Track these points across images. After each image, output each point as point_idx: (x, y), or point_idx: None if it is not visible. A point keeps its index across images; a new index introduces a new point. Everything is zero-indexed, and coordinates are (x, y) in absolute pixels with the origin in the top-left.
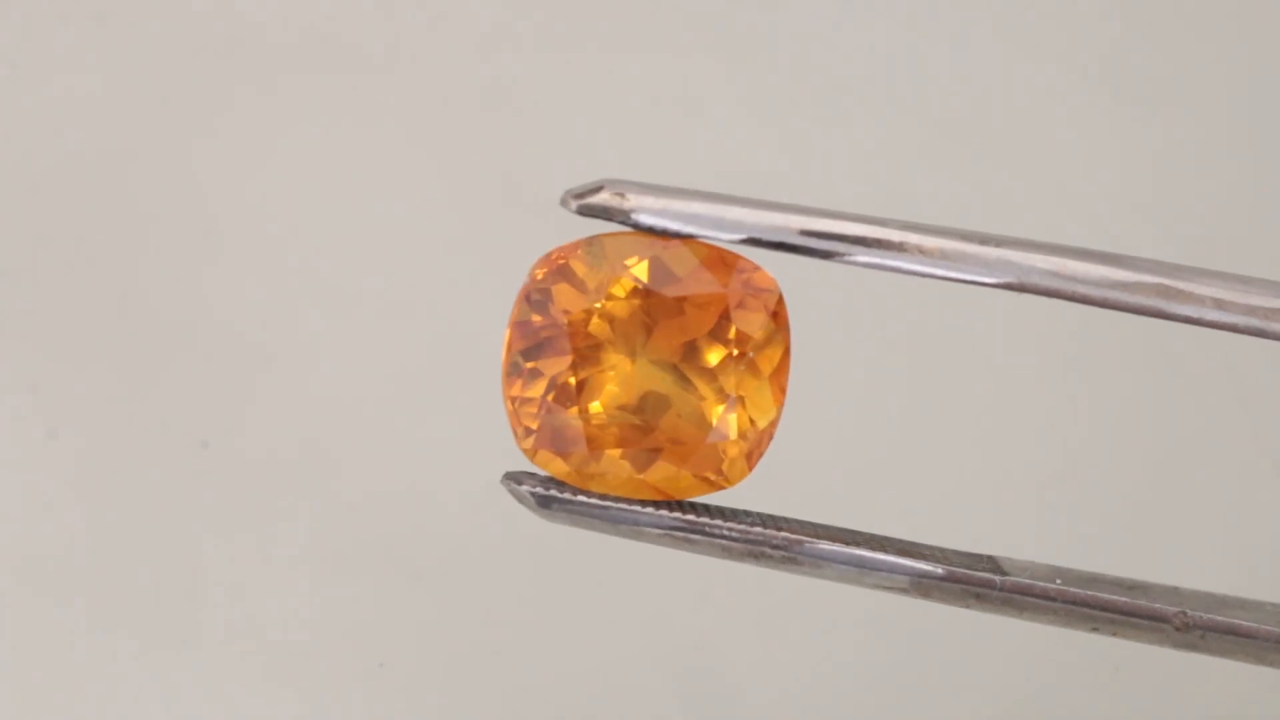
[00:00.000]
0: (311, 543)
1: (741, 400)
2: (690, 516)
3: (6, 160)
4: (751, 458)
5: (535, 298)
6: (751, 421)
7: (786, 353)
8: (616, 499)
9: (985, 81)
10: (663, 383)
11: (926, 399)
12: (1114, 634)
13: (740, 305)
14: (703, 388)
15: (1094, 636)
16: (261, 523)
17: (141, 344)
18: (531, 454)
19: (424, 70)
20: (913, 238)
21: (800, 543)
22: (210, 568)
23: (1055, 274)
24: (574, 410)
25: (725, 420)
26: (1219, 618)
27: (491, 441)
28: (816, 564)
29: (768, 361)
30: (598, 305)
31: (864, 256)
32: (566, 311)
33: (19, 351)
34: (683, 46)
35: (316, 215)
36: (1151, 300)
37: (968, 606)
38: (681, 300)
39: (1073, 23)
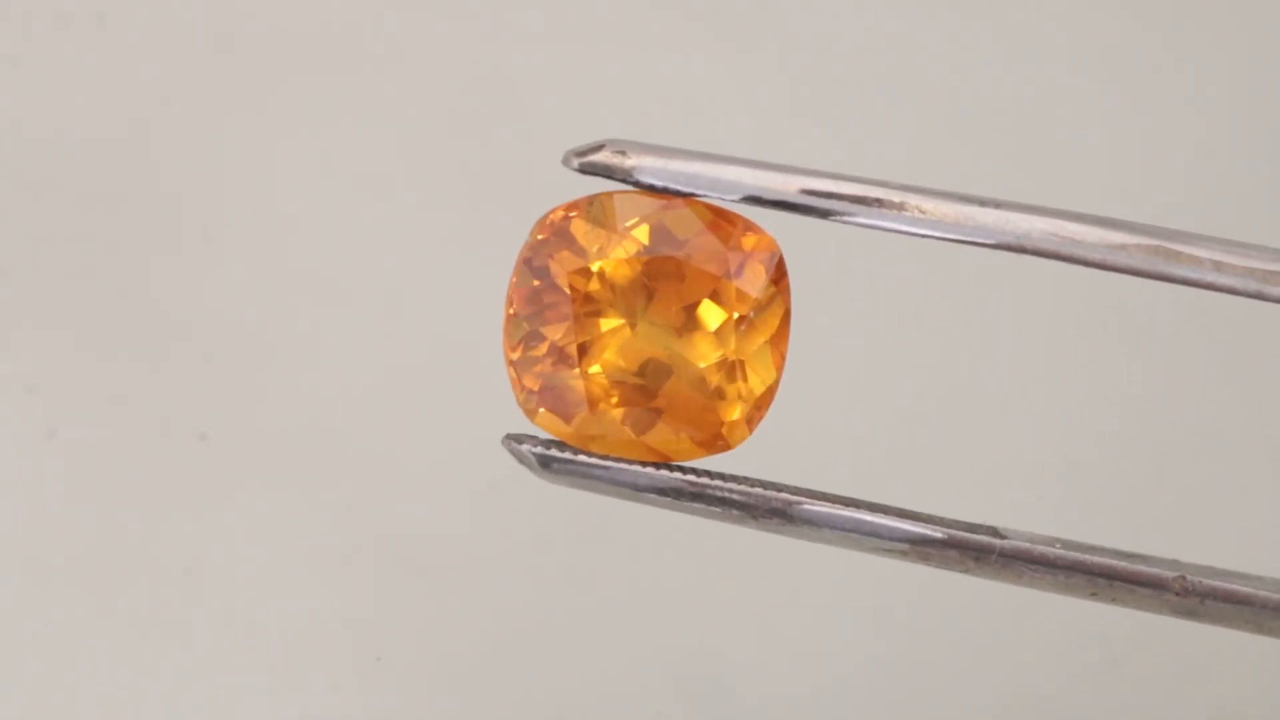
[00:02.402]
0: (309, 536)
1: (741, 363)
2: (690, 477)
3: (6, 160)
4: (751, 421)
5: (535, 261)
6: (751, 385)
7: (787, 315)
8: (616, 459)
9: (987, 78)
10: (663, 345)
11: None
12: (1113, 600)
13: (741, 268)
14: (703, 350)
15: (1094, 634)
16: (259, 516)
17: (141, 341)
18: (532, 414)
19: (424, 68)
20: (913, 198)
21: (799, 503)
22: (208, 562)
23: (1054, 235)
24: (574, 372)
25: (725, 383)
26: (1218, 583)
27: (491, 438)
28: (815, 527)
29: (768, 324)
30: (597, 268)
31: (863, 217)
32: (566, 274)
33: (19, 351)
34: (684, 43)
35: (317, 212)
36: (1150, 261)
37: (966, 571)
38: (682, 263)
39: (1076, 15)
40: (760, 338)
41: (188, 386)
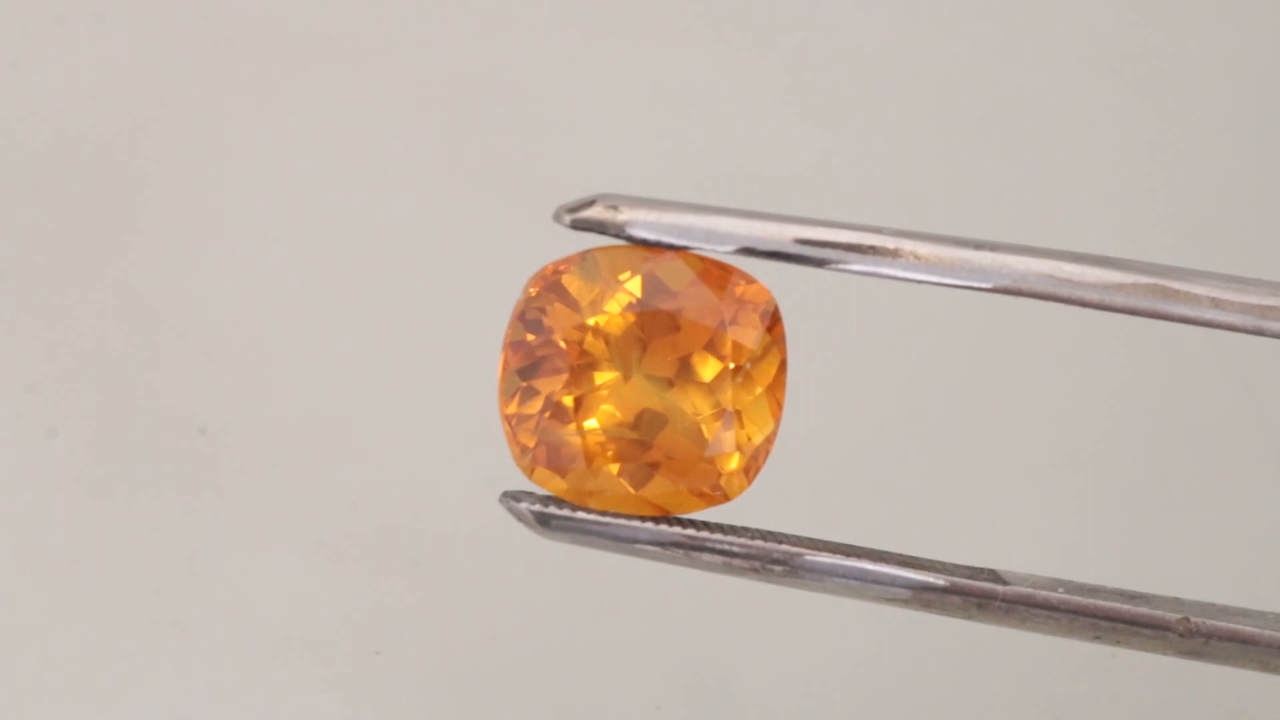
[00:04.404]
0: (308, 530)
1: (738, 414)
2: (690, 531)
3: (6, 160)
4: (749, 472)
5: (529, 316)
6: (749, 435)
7: (783, 365)
8: (615, 515)
9: (989, 74)
10: (659, 398)
11: (925, 408)
12: (1117, 642)
13: (735, 319)
14: (699, 402)
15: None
16: (258, 510)
17: (141, 340)
18: (529, 472)
19: (422, 64)
20: (907, 244)
21: (801, 556)
22: (207, 556)
23: (1050, 277)
24: (570, 427)
25: (722, 435)
26: (1222, 624)
27: (490, 434)
28: (818, 577)
29: (764, 375)
30: (592, 322)
31: (858, 264)
32: (561, 329)
33: (19, 351)
34: (685, 40)
35: (316, 209)
36: (1148, 301)
37: (970, 618)
38: (676, 315)
39: (1080, 12)
40: (757, 388)
41: (188, 384)
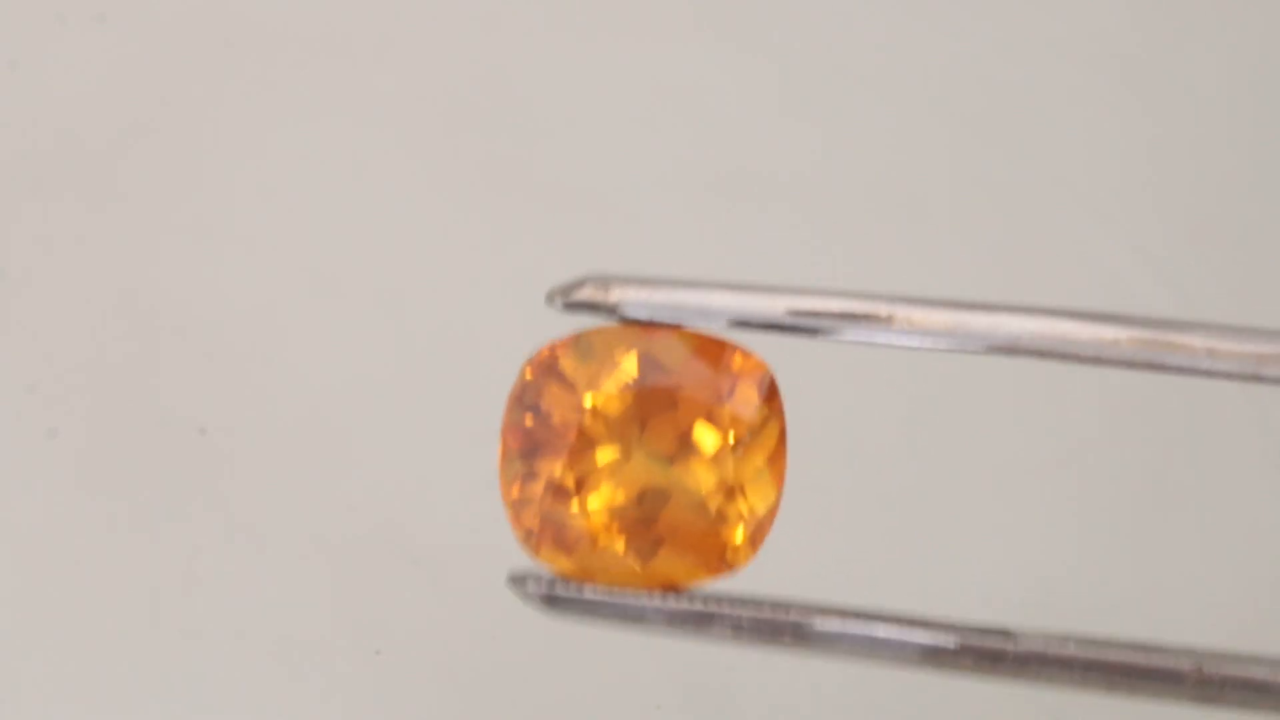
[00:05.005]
0: (308, 530)
1: (741, 487)
2: (698, 606)
3: (6, 160)
4: (755, 542)
5: (527, 399)
6: (752, 507)
7: (782, 434)
8: (623, 592)
9: (987, 73)
10: (660, 475)
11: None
12: (1130, 692)
13: (732, 391)
14: (701, 477)
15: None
16: (258, 510)
17: (141, 340)
18: (534, 552)
19: (421, 64)
20: (901, 310)
21: (810, 624)
22: (206, 556)
23: (1046, 336)
24: (573, 507)
25: (726, 508)
26: (1236, 672)
27: (489, 431)
28: (829, 643)
29: (764, 445)
30: (589, 403)
31: (852, 333)
32: (559, 410)
33: (19, 351)
34: (685, 38)
35: (316, 209)
36: (1144, 354)
37: (983, 675)
38: (673, 391)
39: (1079, 11)
40: (758, 459)
41: (188, 384)
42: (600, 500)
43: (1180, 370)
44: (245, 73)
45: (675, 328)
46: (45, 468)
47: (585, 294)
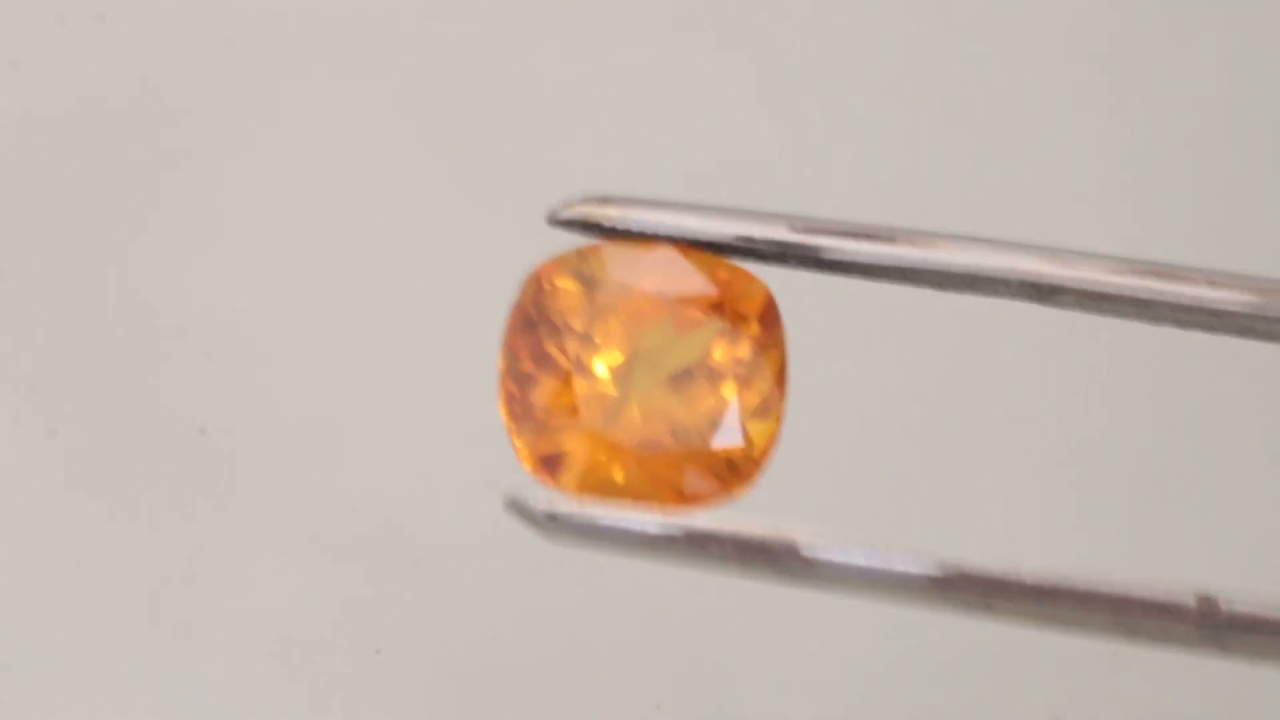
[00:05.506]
0: (308, 530)
1: (741, 409)
2: (699, 524)
3: (6, 160)
4: (754, 468)
5: (524, 317)
6: (751, 431)
7: (783, 360)
8: (624, 512)
9: (986, 69)
10: (661, 393)
11: (925, 405)
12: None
13: (735, 315)
14: (701, 398)
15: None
16: (258, 510)
17: (141, 340)
18: (533, 473)
19: (420, 63)
20: (902, 234)
21: (814, 545)
22: (206, 556)
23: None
24: (572, 426)
25: (725, 429)
26: (1247, 610)
27: (490, 434)
28: (833, 573)
29: (764, 370)
30: (586, 321)
31: (850, 244)
32: (557, 329)
33: (19, 351)
34: (684, 36)
35: (316, 208)
36: (1140, 281)
37: (989, 610)
38: (674, 312)
39: (1075, 8)
40: (759, 383)
41: (188, 384)
42: (599, 419)
43: (1179, 303)
44: (245, 73)
45: (678, 244)
46: (45, 468)
47: (584, 210)
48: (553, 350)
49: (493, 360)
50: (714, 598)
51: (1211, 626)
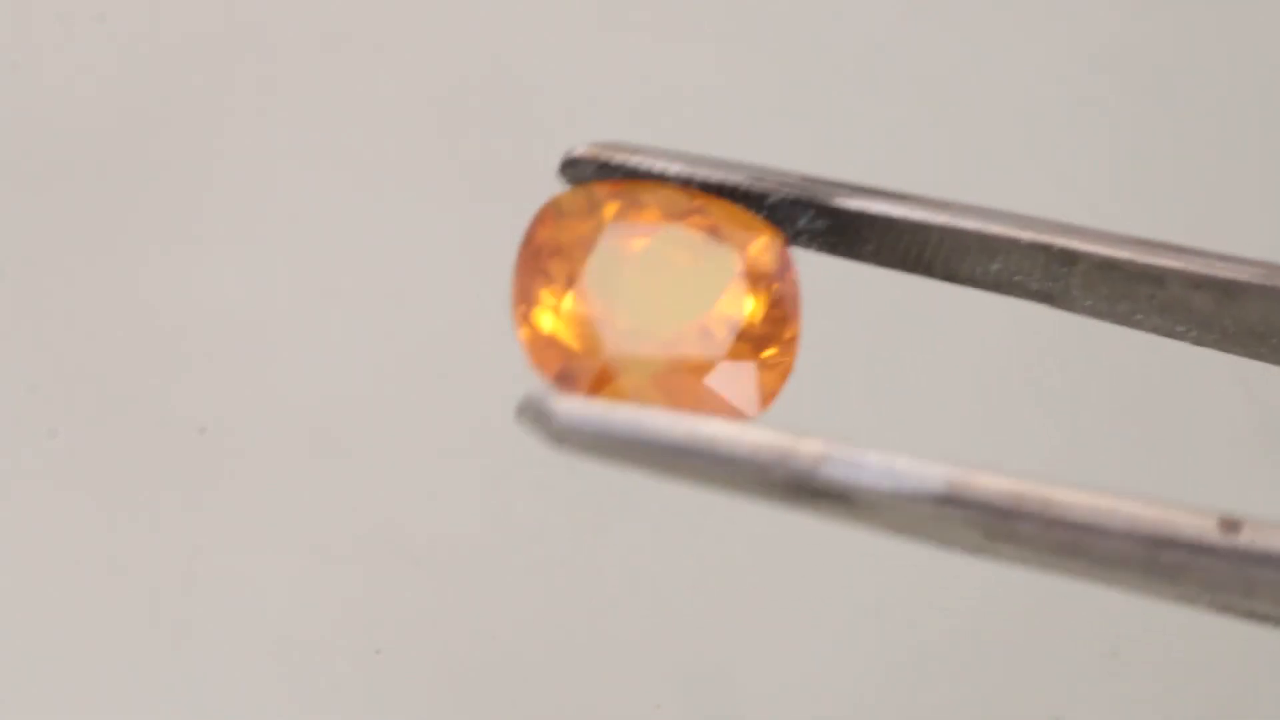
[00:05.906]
0: (308, 530)
1: (757, 336)
2: (716, 427)
3: (6, 160)
4: (769, 390)
5: (537, 242)
6: (766, 354)
7: (796, 300)
8: (639, 416)
9: (986, 69)
10: (674, 312)
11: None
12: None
13: (751, 240)
14: (714, 315)
15: (1095, 625)
16: (258, 510)
17: (141, 339)
18: (553, 381)
19: (419, 62)
20: (915, 196)
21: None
22: (206, 556)
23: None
24: (586, 338)
25: (740, 345)
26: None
27: (489, 430)
28: (859, 500)
29: (778, 310)
30: (605, 241)
31: (863, 199)
32: (570, 249)
33: (19, 351)
34: (682, 36)
35: (315, 208)
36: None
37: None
38: (688, 236)
39: (1076, 8)
40: (776, 313)
41: (188, 384)
42: (615, 332)
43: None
44: (245, 73)
45: (686, 188)
46: (45, 468)
47: (591, 151)
48: (566, 270)
49: (494, 362)
50: (714, 598)
51: (1237, 558)
